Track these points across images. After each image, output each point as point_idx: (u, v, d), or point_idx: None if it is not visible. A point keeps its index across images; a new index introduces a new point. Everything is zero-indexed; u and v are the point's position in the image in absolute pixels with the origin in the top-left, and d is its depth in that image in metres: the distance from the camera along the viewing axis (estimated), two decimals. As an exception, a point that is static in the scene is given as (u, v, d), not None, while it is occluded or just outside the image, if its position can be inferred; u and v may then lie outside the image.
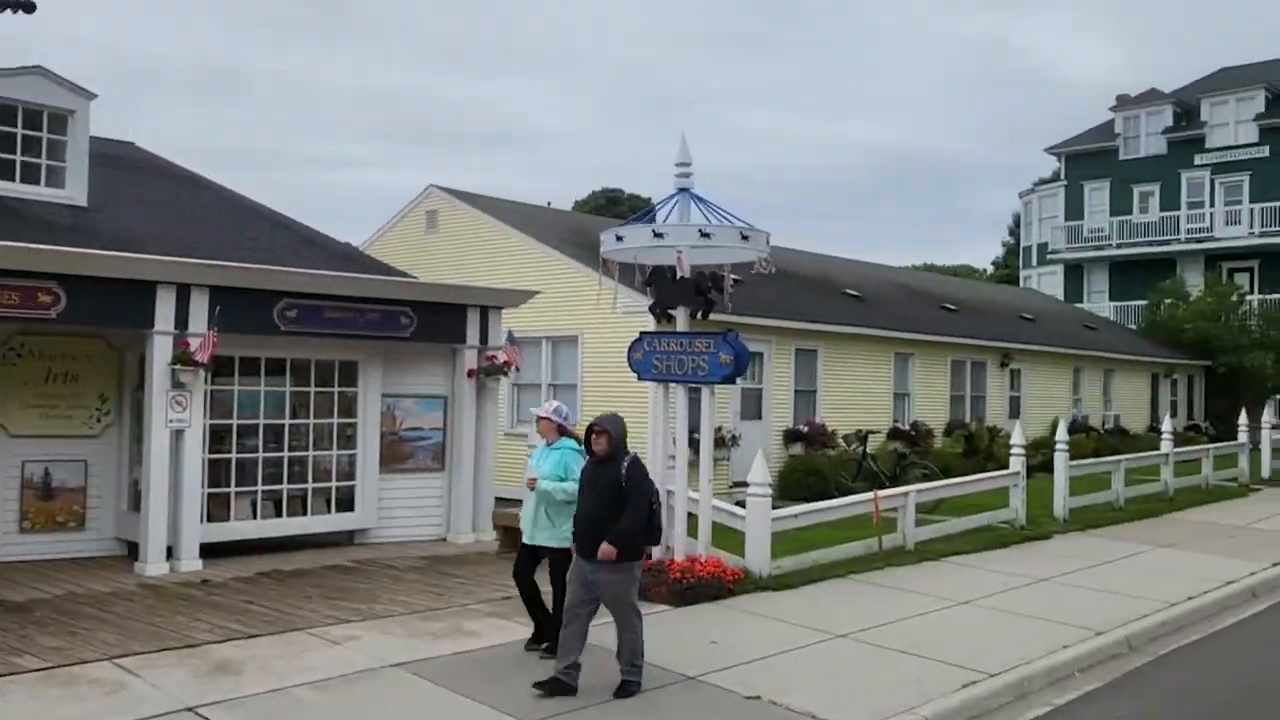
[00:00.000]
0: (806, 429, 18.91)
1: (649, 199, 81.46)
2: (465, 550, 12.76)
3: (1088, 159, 47.85)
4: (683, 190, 10.84)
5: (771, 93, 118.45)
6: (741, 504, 11.35)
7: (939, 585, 10.95)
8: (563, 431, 8.04)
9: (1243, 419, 22.25)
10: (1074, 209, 48.03)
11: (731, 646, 8.38)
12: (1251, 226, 42.23)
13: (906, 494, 12.58)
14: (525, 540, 8.06)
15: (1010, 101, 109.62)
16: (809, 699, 7.09)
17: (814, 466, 18.06)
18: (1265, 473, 21.39)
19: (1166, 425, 18.61)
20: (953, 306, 25.69)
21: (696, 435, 16.31)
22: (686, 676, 7.48)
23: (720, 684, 7.37)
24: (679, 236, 10.32)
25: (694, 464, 11.38)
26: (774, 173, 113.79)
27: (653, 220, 10.91)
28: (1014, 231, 61.91)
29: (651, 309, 11.17)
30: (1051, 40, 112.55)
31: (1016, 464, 14.46)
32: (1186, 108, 45.79)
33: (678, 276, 10.66)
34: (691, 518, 10.80)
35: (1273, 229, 41.71)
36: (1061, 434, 15.46)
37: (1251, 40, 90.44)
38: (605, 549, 6.84)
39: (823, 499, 13.39)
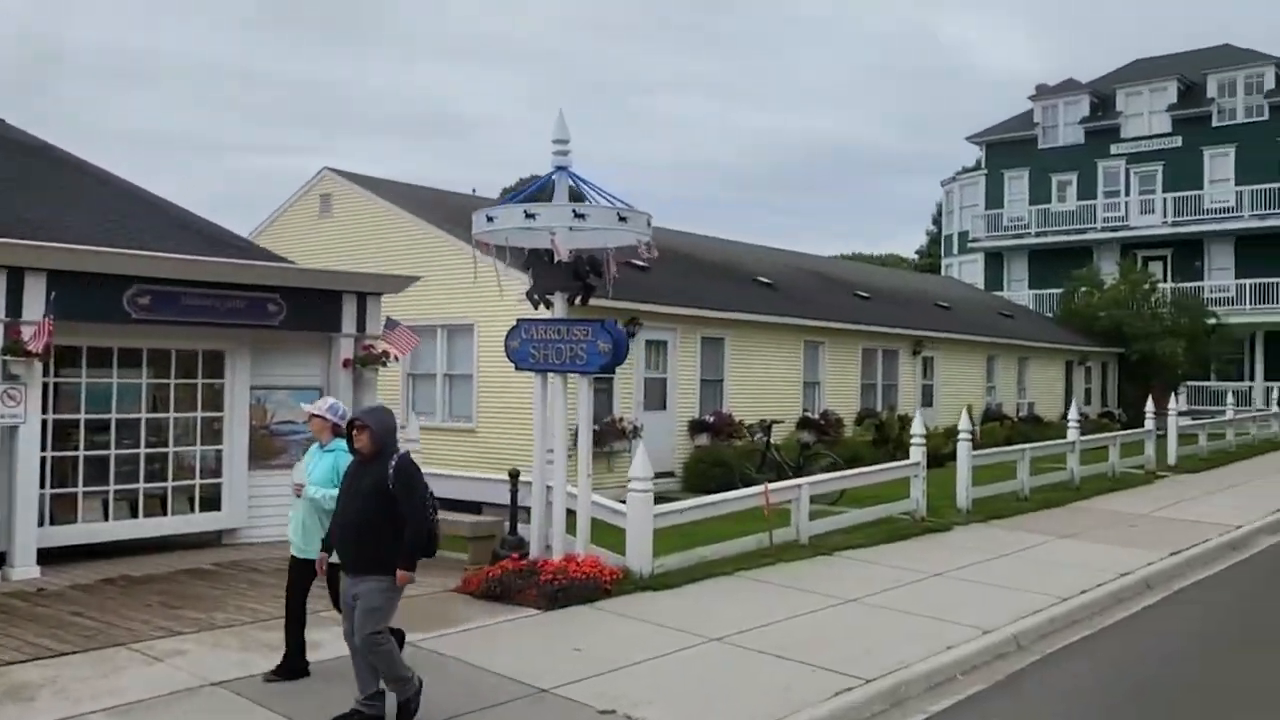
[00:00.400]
0: (713, 419, 18.45)
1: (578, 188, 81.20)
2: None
3: (1008, 148, 48.15)
4: (561, 169, 10.26)
5: (704, 83, 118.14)
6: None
7: (829, 582, 10.53)
8: (337, 431, 7.13)
9: (1149, 406, 22.27)
10: (994, 198, 48.33)
11: (596, 653, 7.84)
12: (1165, 216, 42.80)
13: (800, 486, 12.12)
14: (294, 554, 7.23)
15: (939, 92, 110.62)
16: (667, 711, 6.59)
17: (720, 457, 17.61)
18: (1172, 459, 21.42)
19: (1073, 413, 18.44)
20: (866, 294, 25.44)
21: (598, 427, 15.93)
22: (538, 689, 6.92)
23: (574, 696, 6.82)
24: (552, 217, 9.73)
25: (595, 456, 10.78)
26: (705, 163, 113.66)
27: (532, 200, 10.30)
28: (938, 220, 62.34)
29: (529, 295, 10.56)
30: (979, 32, 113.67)
31: (917, 454, 14.12)
32: (1103, 98, 46.25)
33: (555, 260, 10.09)
34: (577, 517, 10.24)
35: (1185, 219, 42.31)
36: (964, 423, 15.15)
37: (1173, 33, 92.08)
38: (402, 575, 6.03)
39: (729, 490, 12.92)
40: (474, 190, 35.26)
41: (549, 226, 9.71)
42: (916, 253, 73.51)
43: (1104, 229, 44.23)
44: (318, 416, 7.25)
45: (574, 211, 9.66)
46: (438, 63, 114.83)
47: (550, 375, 10.48)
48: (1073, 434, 17.94)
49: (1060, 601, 9.93)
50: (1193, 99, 43.55)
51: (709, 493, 13.42)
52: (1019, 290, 46.07)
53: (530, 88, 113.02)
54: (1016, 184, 47.87)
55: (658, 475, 17.76)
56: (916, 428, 14.25)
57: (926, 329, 24.53)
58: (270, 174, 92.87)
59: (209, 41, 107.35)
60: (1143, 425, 22.03)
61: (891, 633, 8.66)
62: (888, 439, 21.46)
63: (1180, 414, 36.69)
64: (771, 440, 17.12)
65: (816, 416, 20.81)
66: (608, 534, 10.61)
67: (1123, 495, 17.42)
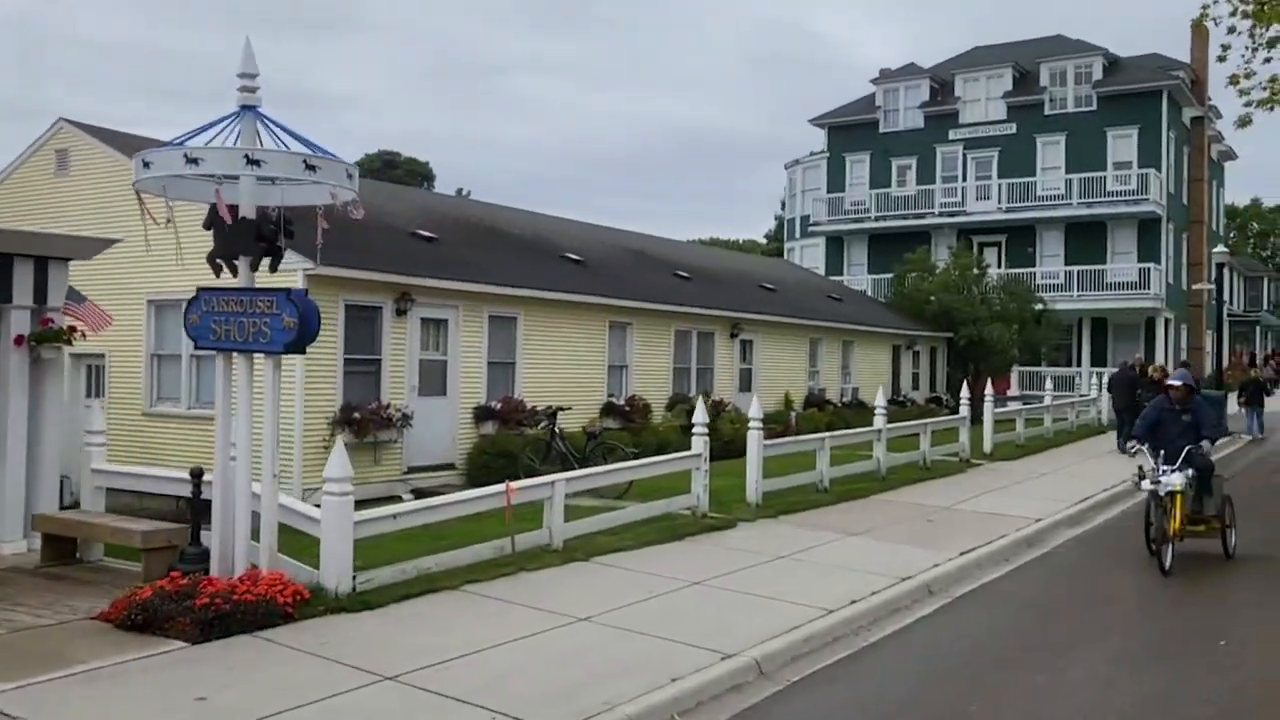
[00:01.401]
0: (500, 406, 16.90)
1: (427, 163, 78.36)
2: (6, 562, 10.09)
3: (850, 132, 47.88)
4: (247, 108, 8.47)
5: (567, 65, 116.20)
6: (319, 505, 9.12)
7: (570, 595, 9.12)
8: None
9: (964, 392, 21.69)
10: (836, 181, 48.04)
11: (226, 704, 6.23)
12: (1000, 202, 43.10)
13: (553, 483, 10.65)
14: None
15: (802, 79, 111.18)
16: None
17: (505, 448, 16.10)
18: (987, 447, 20.83)
19: (879, 399, 17.50)
20: (686, 274, 24.25)
21: (359, 415, 14.11)
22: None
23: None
24: (220, 163, 7.99)
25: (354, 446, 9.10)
26: (573, 146, 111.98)
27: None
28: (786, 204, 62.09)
29: (209, 259, 8.75)
30: (841, 23, 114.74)
31: (699, 444, 12.84)
32: (943, 84, 46.34)
33: (240, 218, 8.36)
34: (261, 524, 8.54)
35: (1018, 204, 42.67)
36: (755, 410, 13.96)
37: (1032, 22, 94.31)
38: None
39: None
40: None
41: (215, 174, 7.97)
42: (765, 237, 73.42)
43: (941, 214, 44.35)
44: None
45: (247, 157, 7.91)
46: (293, 38, 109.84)
47: (235, 354, 8.76)
48: (879, 421, 16.99)
49: (824, 615, 8.74)
50: (1027, 87, 43.96)
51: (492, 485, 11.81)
52: (859, 274, 45.90)
53: (393, 68, 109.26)
54: (858, 168, 47.67)
55: (435, 468, 16.31)
56: (699, 416, 12.95)
57: (746, 311, 23.47)
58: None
59: (59, 9, 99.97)
60: (973, 410, 21.41)
61: (612, 661, 7.29)
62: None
63: (1011, 399, 37.16)
64: (558, 429, 15.65)
65: (623, 402, 19.48)
66: (313, 545, 8.97)
67: (930, 486, 16.56)
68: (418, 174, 75.35)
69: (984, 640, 8.60)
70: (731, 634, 8.00)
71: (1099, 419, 27.91)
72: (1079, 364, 41.62)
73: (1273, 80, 18.76)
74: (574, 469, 14.40)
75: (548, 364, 18.17)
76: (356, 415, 14.47)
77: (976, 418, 21.38)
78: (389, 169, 71.23)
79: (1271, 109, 18.80)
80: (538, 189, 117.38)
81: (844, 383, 27.44)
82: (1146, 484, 11.10)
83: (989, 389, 21.66)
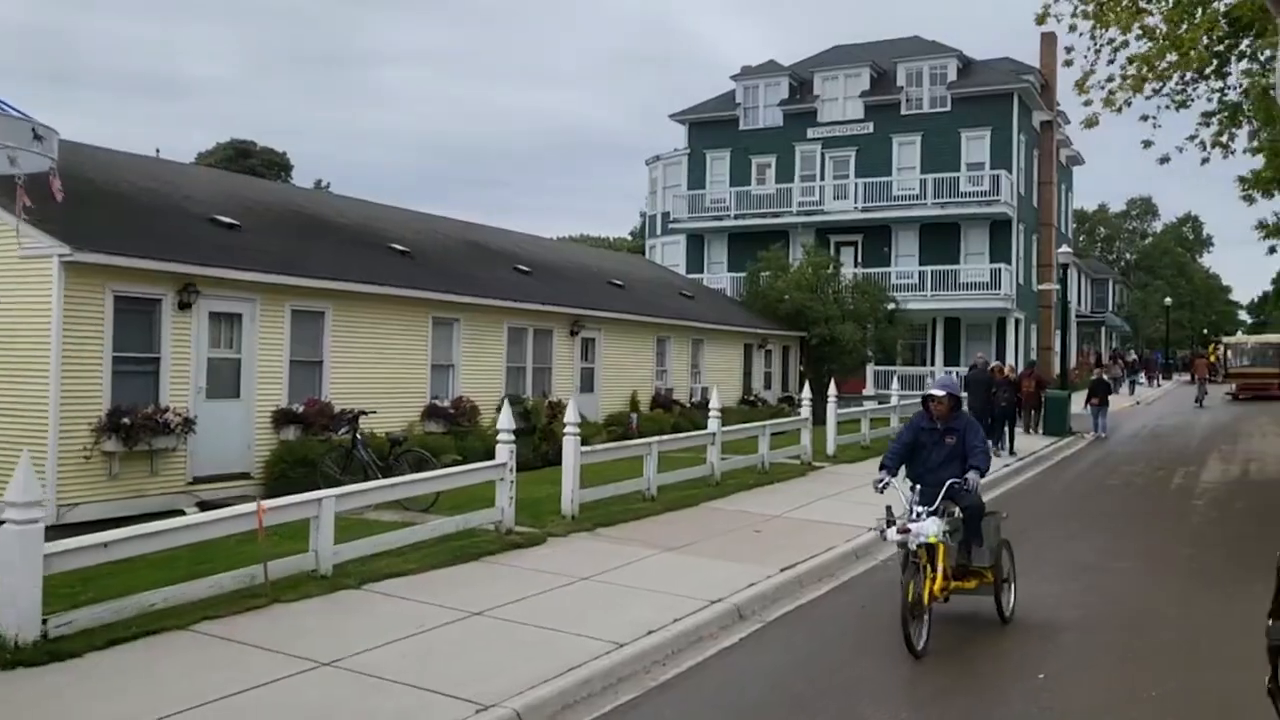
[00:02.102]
0: (303, 409, 15.41)
1: (284, 153, 75.18)
2: None
3: (711, 128, 47.35)
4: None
5: (449, 60, 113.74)
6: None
7: (325, 632, 7.85)
8: None
9: (806, 392, 21.05)
10: (696, 178, 47.46)
11: None
12: (856, 202, 43.10)
13: (318, 501, 9.33)
14: None
15: (673, 77, 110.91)
16: None
17: (306, 455, 14.64)
18: (831, 449, 20.21)
19: (714, 401, 16.58)
20: (527, 269, 23.03)
21: (128, 420, 12.51)
22: None
23: None
24: None
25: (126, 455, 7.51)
26: (444, 139, 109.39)
27: None
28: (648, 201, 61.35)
29: None
30: (714, 21, 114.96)
31: (503, 453, 11.66)
32: (802, 81, 46.18)
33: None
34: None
35: (874, 204, 42.72)
36: (572, 415, 12.84)
37: (898, 24, 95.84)
38: None
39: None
40: (157, 151, 30.04)
41: None
42: (632, 234, 72.71)
43: (800, 213, 44.14)
44: None
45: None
46: (149, 20, 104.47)
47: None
48: (713, 424, 16.08)
49: (613, 650, 7.68)
50: (884, 87, 44.09)
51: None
52: (719, 272, 45.39)
53: (253, 55, 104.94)
54: (718, 165, 47.18)
55: (227, 478, 14.72)
56: (504, 422, 11.74)
57: (588, 307, 22.37)
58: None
59: None
60: (814, 411, 20.76)
61: (336, 723, 6.08)
62: (534, 428, 19.11)
63: (867, 398, 37.06)
64: (360, 435, 14.25)
65: (448, 405, 18.16)
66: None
67: (764, 492, 15.73)
68: (274, 164, 72.25)
69: (786, 677, 7.64)
70: (498, 679, 6.87)
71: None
72: (932, 363, 41.91)
73: (1110, 80, 18.58)
74: (375, 478, 13.14)
75: (362, 363, 16.73)
76: (126, 420, 12.83)
77: (822, 418, 20.76)
78: (243, 158, 68.01)
79: (1119, 110, 18.59)
80: (406, 182, 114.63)
81: (694, 382, 26.59)
82: (893, 534, 7.90)
83: (832, 389, 21.06)
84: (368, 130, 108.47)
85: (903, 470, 8.74)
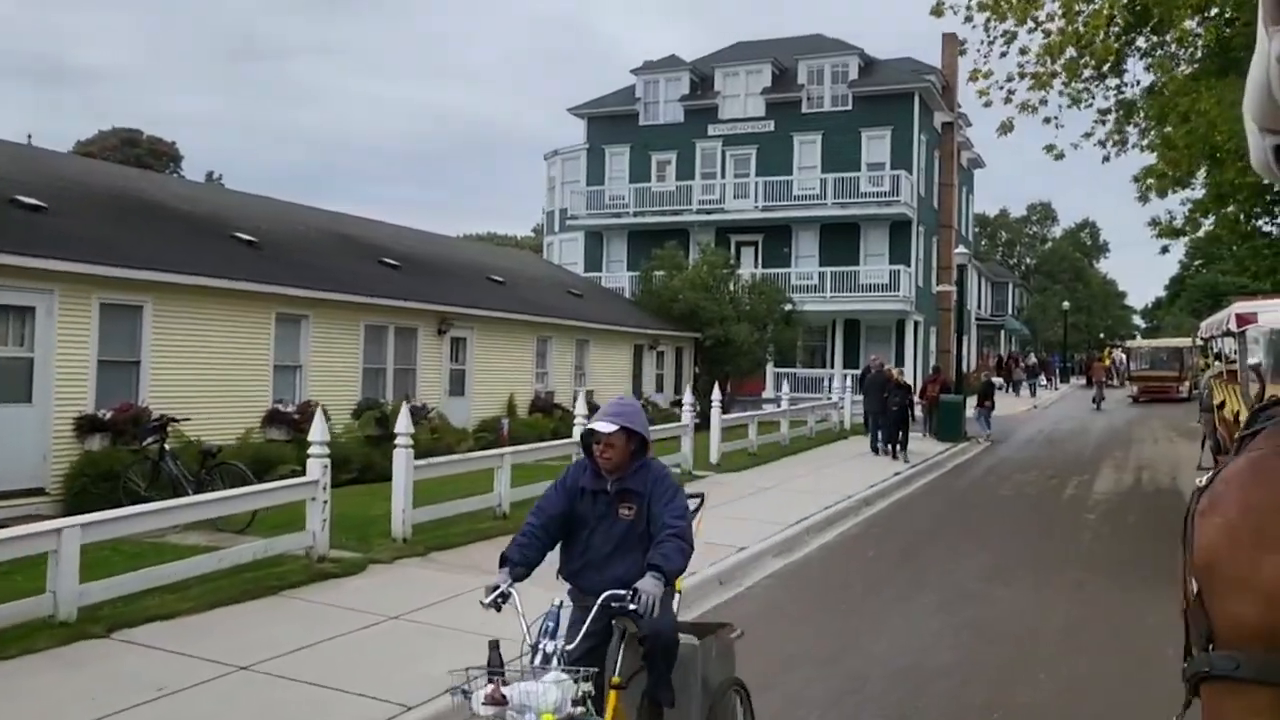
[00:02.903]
0: (112, 415, 13.65)
1: (173, 143, 71.84)
2: None
3: (611, 123, 46.08)
4: None
5: (354, 54, 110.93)
6: None
7: (25, 698, 6.31)
8: None
9: (688, 396, 19.89)
10: (595, 174, 46.18)
11: None
12: (757, 200, 42.26)
13: (59, 530, 7.71)
14: None
15: (581, 74, 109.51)
16: None
17: (113, 467, 12.91)
18: (714, 456, 19.02)
19: (579, 407, 15.26)
20: (395, 262, 21.42)
21: None
22: None
23: None
24: None
25: None
26: (348, 135, 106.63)
27: None
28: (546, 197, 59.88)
29: None
30: (629, 18, 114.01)
31: (315, 469, 10.15)
32: (704, 77, 45.21)
33: None
34: None
35: (775, 204, 41.92)
36: (404, 425, 11.36)
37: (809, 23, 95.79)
38: None
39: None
40: (29, 137, 27.37)
41: None
42: (534, 231, 71.13)
43: (699, 211, 43.15)
44: None
45: None
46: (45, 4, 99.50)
47: None
48: (579, 431, 14.72)
49: (401, 713, 6.31)
50: (785, 85, 43.33)
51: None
52: (618, 271, 44.17)
53: (154, 44, 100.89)
54: (618, 161, 45.96)
55: (16, 494, 12.84)
56: (316, 433, 10.21)
57: (459, 304, 20.85)
58: None
59: None
60: (724, 412, 19.64)
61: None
62: (394, 435, 17.50)
63: (767, 401, 36.11)
64: (168, 445, 12.57)
65: (293, 410, 16.51)
66: None
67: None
68: (161, 155, 69.17)
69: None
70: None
71: (841, 424, 26.79)
72: (832, 365, 41.20)
73: (1009, 80, 17.69)
74: (186, 494, 11.54)
75: (189, 364, 15.01)
76: None
77: (709, 423, 19.59)
78: (129, 147, 64.88)
79: (1034, 110, 17.63)
80: (309, 178, 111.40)
81: (579, 385, 25.20)
82: (480, 704, 3.90)
83: (716, 393, 19.91)
84: (272, 125, 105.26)
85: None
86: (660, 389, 29.48)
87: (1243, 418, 4.39)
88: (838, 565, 11.76)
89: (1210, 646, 2.47)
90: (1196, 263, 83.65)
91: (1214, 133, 14.37)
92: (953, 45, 43.18)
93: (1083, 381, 58.83)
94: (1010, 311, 69.25)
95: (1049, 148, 17.39)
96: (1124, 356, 59.73)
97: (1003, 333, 66.00)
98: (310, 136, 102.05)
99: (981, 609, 9.67)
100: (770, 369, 38.97)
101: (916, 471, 20.01)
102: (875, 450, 21.73)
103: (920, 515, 15.40)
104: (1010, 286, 70.63)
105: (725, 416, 20.01)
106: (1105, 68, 18.05)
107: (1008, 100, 17.21)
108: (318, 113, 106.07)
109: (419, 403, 18.90)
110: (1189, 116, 14.83)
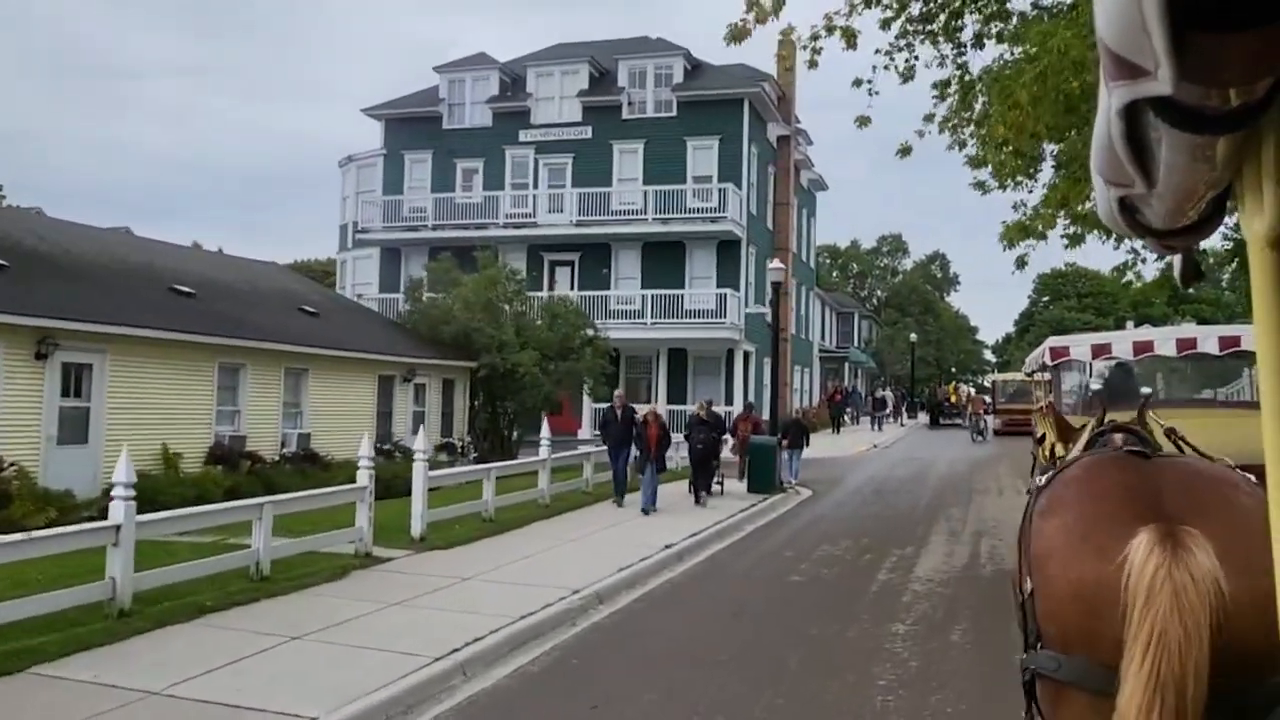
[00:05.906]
0: None
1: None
2: None
3: (411, 126, 40.78)
4: None
5: (210, 74, 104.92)
6: None
7: None
8: None
9: (419, 442, 14.92)
10: (394, 183, 40.80)
11: None
12: (573, 214, 37.59)
13: None
14: None
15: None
16: None
17: None
18: (417, 528, 13.90)
19: (121, 471, 9.93)
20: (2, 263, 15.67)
21: None
22: None
23: None
24: None
25: None
26: (201, 155, 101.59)
27: None
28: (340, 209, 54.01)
29: None
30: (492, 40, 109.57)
31: None
32: (516, 78, 40.40)
33: None
34: None
35: (592, 218, 37.31)
36: None
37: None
38: None
39: None
40: None
41: None
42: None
43: (508, 225, 38.22)
44: None
45: None
46: None
47: None
48: (117, 513, 9.35)
49: None
50: (604, 87, 38.89)
51: None
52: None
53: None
54: (419, 168, 40.74)
55: None
56: None
57: (91, 320, 15.24)
58: None
59: None
60: (508, 456, 14.59)
61: None
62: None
63: (582, 442, 31.16)
64: None
65: None
66: None
67: (224, 620, 9.20)
68: None
69: None
70: None
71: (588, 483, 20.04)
72: (657, 400, 36.58)
73: (813, 38, 13.26)
74: None
75: None
76: None
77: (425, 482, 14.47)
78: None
79: (851, 43, 13.24)
80: (149, 200, 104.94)
81: (291, 427, 19.77)
82: None
83: (420, 438, 14.89)
84: (122, 145, 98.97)
85: None
86: (419, 429, 24.13)
87: (1058, 451, 4.82)
88: (546, 694, 6.82)
89: (1039, 645, 2.71)
90: (1044, 299, 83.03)
91: (1069, 76, 10.14)
92: (789, 52, 39.58)
93: (927, 420, 55.82)
94: (857, 343, 66.29)
95: (858, 82, 13.27)
96: (981, 391, 57.58)
97: (847, 365, 62.87)
98: (156, 159, 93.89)
99: None
100: (589, 404, 34.25)
101: (698, 541, 15.26)
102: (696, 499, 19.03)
103: (667, 622, 10.61)
104: (856, 317, 67.72)
105: (481, 467, 15.02)
106: (934, 27, 13.96)
107: (816, 38, 12.87)
108: (163, 135, 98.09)
109: (16, 458, 13.26)
110: (1036, 57, 10.56)
